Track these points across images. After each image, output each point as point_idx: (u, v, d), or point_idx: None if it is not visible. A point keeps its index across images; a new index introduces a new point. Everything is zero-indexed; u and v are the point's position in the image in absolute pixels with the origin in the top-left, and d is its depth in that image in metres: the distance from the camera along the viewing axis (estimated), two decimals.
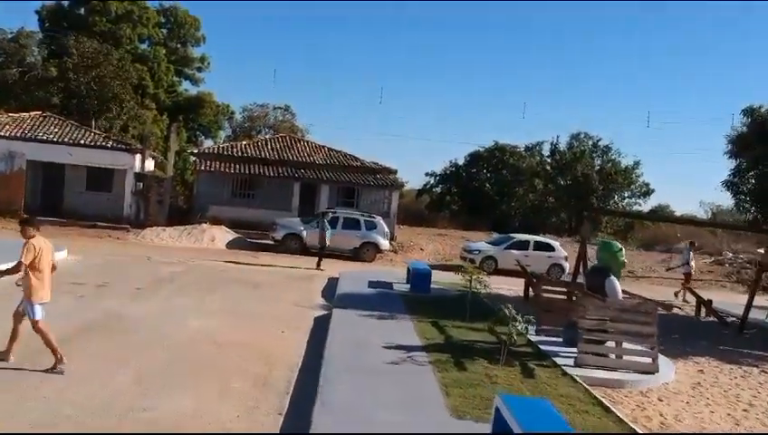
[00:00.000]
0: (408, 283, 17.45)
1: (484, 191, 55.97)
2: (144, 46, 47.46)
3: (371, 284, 16.86)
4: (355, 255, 24.79)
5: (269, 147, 31.79)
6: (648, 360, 10.33)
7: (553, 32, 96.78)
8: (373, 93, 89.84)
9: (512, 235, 27.83)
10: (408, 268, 17.71)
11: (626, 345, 10.58)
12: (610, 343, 10.60)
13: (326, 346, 9.85)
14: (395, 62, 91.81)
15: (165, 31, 49.34)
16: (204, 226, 25.18)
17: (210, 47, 61.19)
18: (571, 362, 10.28)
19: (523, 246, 25.70)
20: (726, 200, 38.22)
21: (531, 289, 17.49)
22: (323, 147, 32.74)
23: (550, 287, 13.07)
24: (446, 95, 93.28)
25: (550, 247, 26.01)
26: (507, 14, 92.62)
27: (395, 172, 31.84)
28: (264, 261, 21.32)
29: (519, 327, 9.65)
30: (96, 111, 34.39)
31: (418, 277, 16.22)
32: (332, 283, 17.36)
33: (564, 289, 13.15)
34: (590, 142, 54.31)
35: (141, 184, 27.35)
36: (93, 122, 34.50)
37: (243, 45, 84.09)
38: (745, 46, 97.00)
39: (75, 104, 35.61)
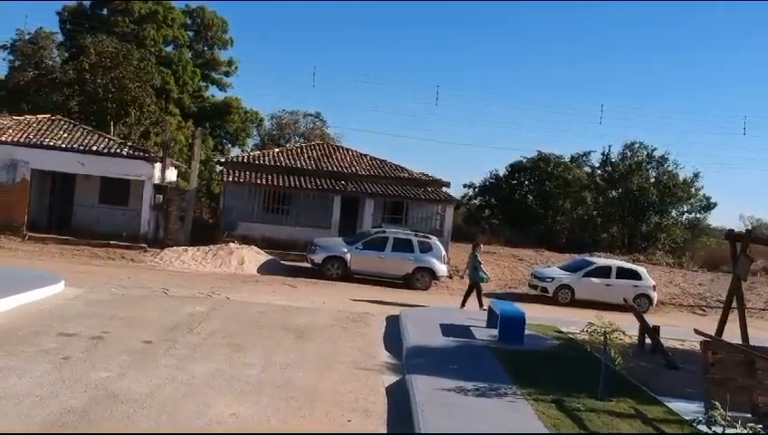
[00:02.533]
0: (489, 326, 13.84)
1: (527, 204, 52.42)
2: (169, 49, 44.60)
3: (444, 329, 13.23)
4: (407, 282, 21.16)
5: (305, 155, 28.28)
6: None
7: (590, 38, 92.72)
8: (400, 98, 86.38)
9: (588, 258, 24.03)
10: (491, 308, 14.03)
11: None
12: None
13: None
14: (426, 71, 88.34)
15: (191, 33, 46.55)
16: (231, 246, 21.75)
17: (238, 50, 58.22)
18: None
19: (604, 272, 21.90)
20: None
21: (647, 336, 13.70)
22: (366, 155, 29.13)
23: (721, 351, 9.26)
24: (484, 103, 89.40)
25: (636, 275, 22.15)
26: (552, 20, 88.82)
27: (447, 184, 28.16)
28: (303, 291, 17.80)
29: None
30: (114, 115, 31.24)
31: (509, 324, 12.54)
32: (393, 325, 13.79)
33: (744, 354, 9.33)
34: (645, 153, 50.37)
35: (161, 197, 23.99)
36: (112, 128, 31.42)
37: (272, 49, 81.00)
38: None
39: (94, 109, 32.59)
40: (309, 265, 21.54)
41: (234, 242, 22.44)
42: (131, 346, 9.87)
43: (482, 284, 17.50)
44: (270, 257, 22.06)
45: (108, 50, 31.60)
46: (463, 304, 16.97)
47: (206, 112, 45.37)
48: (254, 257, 21.40)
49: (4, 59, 40.17)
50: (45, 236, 22.14)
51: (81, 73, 31.51)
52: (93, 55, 31.36)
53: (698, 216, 49.40)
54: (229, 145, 48.05)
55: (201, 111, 45.09)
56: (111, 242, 22.16)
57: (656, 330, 13.65)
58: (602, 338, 9.32)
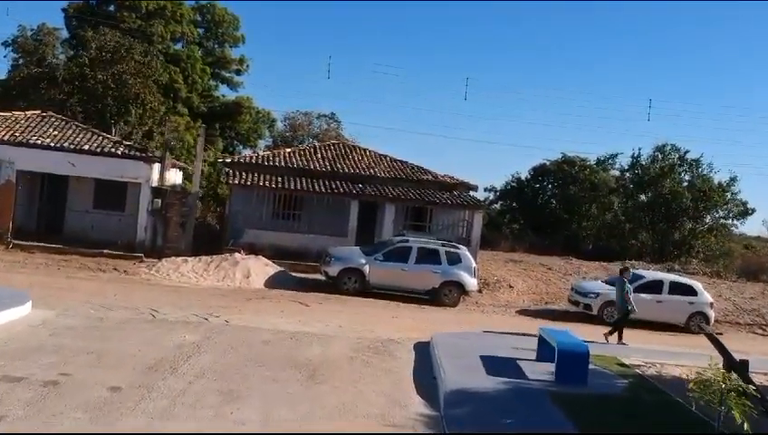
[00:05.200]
0: (540, 359, 11.46)
1: (550, 209, 50.11)
2: (178, 47, 42.63)
3: (487, 363, 10.86)
4: (433, 297, 18.79)
5: (318, 156, 25.94)
6: None
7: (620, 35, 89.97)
8: (419, 97, 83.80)
9: (636, 271, 21.53)
10: (541, 338, 11.63)
11: None
12: None
13: None
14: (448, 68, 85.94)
15: (201, 30, 44.63)
16: (237, 256, 19.50)
17: (250, 48, 56.02)
18: None
19: (655, 287, 19.43)
20: None
21: (732, 371, 11.23)
22: (385, 156, 26.71)
23: None
24: (508, 103, 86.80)
25: (690, 291, 19.66)
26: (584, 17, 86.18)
27: (474, 188, 25.69)
28: (316, 311, 15.49)
29: None
30: (115, 113, 29.12)
31: (569, 361, 10.14)
32: (423, 356, 11.48)
33: None
34: (676, 155, 47.70)
35: (159, 201, 21.70)
36: (113, 127, 29.33)
37: (285, 47, 78.84)
38: None
39: (95, 107, 30.49)
40: (323, 278, 19.27)
41: (239, 251, 20.21)
42: (92, 396, 7.60)
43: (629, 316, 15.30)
44: (279, 269, 19.77)
45: (110, 43, 29.50)
46: (619, 337, 14.93)
47: (216, 112, 43.43)
48: (261, 269, 19.13)
49: (5, 56, 38.34)
50: (32, 244, 20.02)
51: (81, 68, 29.48)
52: (93, 49, 29.31)
53: (735, 222, 46.79)
54: (240, 146, 46.07)
55: (211, 110, 43.16)
56: (105, 251, 20.01)
57: (743, 364, 11.16)
58: (718, 393, 6.94)
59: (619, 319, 15.26)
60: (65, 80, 31.77)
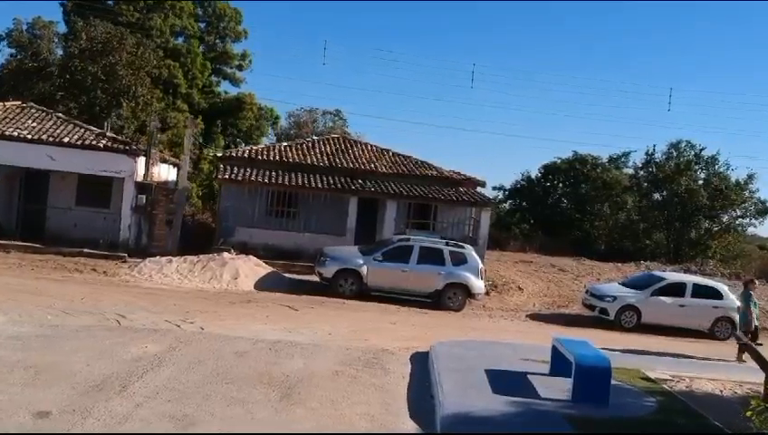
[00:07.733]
0: (553, 373, 10.02)
1: (561, 209, 48.71)
2: (178, 41, 41.42)
3: (494, 380, 9.43)
4: (436, 301, 17.37)
5: (317, 150, 24.53)
6: None
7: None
8: (427, 89, 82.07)
9: (657, 273, 20.07)
10: (555, 349, 10.17)
11: None
12: None
13: None
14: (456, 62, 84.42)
15: (202, 24, 43.44)
16: (225, 256, 18.17)
17: (253, 43, 54.64)
18: None
19: (677, 290, 17.98)
20: None
21: None
22: (387, 151, 25.28)
23: None
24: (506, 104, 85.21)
25: (716, 294, 18.13)
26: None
27: (482, 184, 24.22)
28: (306, 316, 14.11)
29: None
30: (105, 106, 27.86)
31: (588, 377, 8.71)
32: (421, 370, 10.10)
33: None
34: (692, 152, 46.02)
35: (145, 197, 20.37)
36: (106, 122, 28.09)
37: (289, 43, 77.33)
38: None
39: (90, 100, 29.28)
40: (317, 279, 17.90)
41: (230, 251, 18.89)
42: (10, 424, 6.26)
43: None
44: (270, 270, 18.42)
45: (101, 34, 28.26)
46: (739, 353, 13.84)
47: (217, 109, 42.28)
48: (251, 270, 17.77)
49: (0, 50, 37.22)
50: (9, 242, 18.80)
51: (71, 60, 28.27)
52: (84, 40, 28.07)
53: (753, 221, 45.07)
54: (242, 144, 44.82)
55: (212, 107, 41.99)
56: (85, 251, 18.73)
57: None
58: None
59: (746, 334, 13.96)
60: (58, 74, 30.62)
